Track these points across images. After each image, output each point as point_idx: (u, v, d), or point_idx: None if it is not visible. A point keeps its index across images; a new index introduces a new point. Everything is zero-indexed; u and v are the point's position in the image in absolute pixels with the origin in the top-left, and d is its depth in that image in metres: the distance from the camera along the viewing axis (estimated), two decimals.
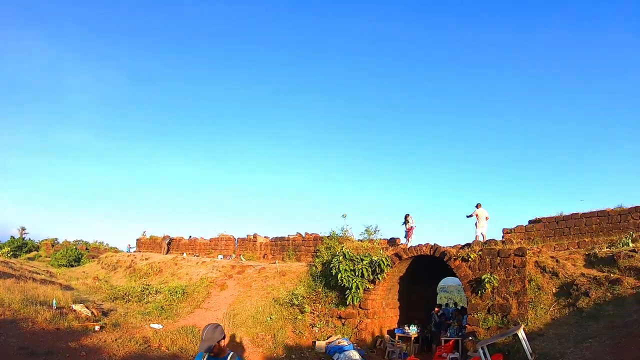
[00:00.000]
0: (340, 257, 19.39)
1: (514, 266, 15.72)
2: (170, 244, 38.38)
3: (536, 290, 15.80)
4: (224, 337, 4.99)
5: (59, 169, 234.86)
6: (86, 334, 14.68)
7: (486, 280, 15.68)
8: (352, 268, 19.06)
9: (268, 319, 19.09)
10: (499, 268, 15.97)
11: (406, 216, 21.50)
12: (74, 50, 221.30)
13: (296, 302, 19.66)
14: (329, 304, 19.86)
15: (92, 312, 17.32)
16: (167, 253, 36.52)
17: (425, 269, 20.81)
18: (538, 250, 17.86)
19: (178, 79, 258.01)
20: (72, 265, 41.96)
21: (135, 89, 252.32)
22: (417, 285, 22.27)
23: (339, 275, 18.96)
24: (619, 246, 17.43)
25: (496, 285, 15.68)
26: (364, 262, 18.91)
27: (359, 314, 18.94)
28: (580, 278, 15.39)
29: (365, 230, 21.59)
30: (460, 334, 17.12)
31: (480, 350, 12.75)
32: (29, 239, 57.42)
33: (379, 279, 18.68)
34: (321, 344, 17.63)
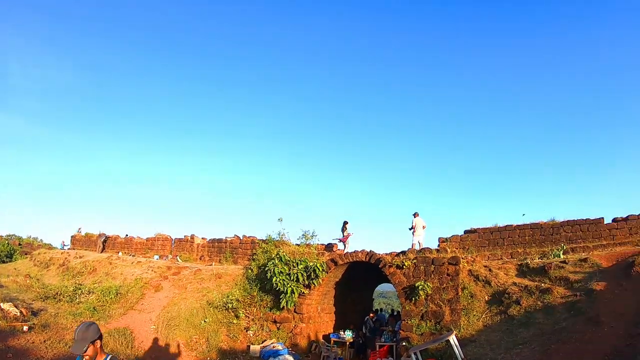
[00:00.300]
0: (276, 261, 19.19)
1: (448, 274, 16.00)
2: (106, 242, 37.17)
3: (469, 297, 16.10)
4: (100, 337, 4.39)
5: None
6: (14, 334, 14.15)
7: (420, 287, 15.88)
8: (287, 272, 18.92)
9: (202, 322, 18.69)
10: (433, 276, 16.20)
11: (344, 223, 21.64)
12: (17, 32, 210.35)
13: (231, 306, 19.28)
14: (264, 307, 19.57)
15: (20, 312, 16.51)
16: (102, 251, 35.32)
17: (361, 275, 20.92)
18: (472, 259, 18.25)
19: (125, 69, 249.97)
20: (3, 262, 40.00)
21: (79, 76, 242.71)
22: (353, 290, 22.34)
23: (274, 279, 18.76)
24: (550, 257, 18.04)
25: (430, 292, 15.89)
26: (300, 267, 18.81)
27: (294, 319, 18.77)
28: (512, 287, 15.79)
29: (303, 235, 21.45)
30: (394, 339, 17.22)
31: (413, 356, 12.81)
32: None
33: (314, 284, 18.62)
34: (256, 348, 17.40)
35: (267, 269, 19.36)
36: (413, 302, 16.17)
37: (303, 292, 18.81)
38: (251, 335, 18.65)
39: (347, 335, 18.79)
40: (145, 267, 25.47)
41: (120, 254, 32.55)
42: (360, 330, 19.80)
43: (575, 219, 19.92)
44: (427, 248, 17.90)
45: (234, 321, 18.98)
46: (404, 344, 15.67)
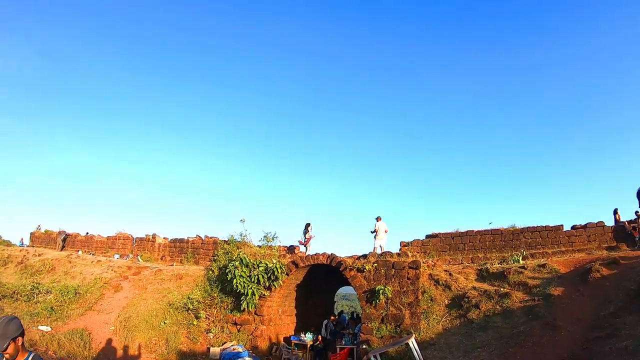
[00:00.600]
0: (237, 263, 19.03)
1: (408, 278, 16.13)
2: (66, 240, 36.28)
3: (429, 301, 16.24)
4: (22, 334, 4.03)
5: None
6: None
7: (380, 290, 15.98)
8: (248, 274, 18.78)
9: (162, 323, 18.42)
10: (393, 279, 16.33)
11: (307, 225, 21.63)
12: None
13: (191, 307, 19.03)
14: (224, 309, 19.36)
15: None
16: (62, 250, 34.43)
17: (322, 277, 20.91)
18: (433, 263, 18.46)
19: (94, 62, 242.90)
20: None
21: (45, 67, 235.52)
22: (315, 293, 22.32)
23: (235, 281, 18.60)
24: (509, 263, 18.36)
25: (390, 296, 16.00)
26: (260, 269, 18.67)
27: (254, 321, 18.63)
28: (471, 291, 15.99)
29: (264, 236, 21.32)
30: (355, 342, 17.25)
31: (373, 358, 12.96)
32: None
33: (275, 286, 18.53)
34: (216, 350, 17.21)
35: (227, 270, 19.18)
36: (373, 305, 16.24)
37: (264, 294, 18.67)
38: (211, 337, 18.43)
39: (308, 337, 18.77)
40: (105, 267, 24.98)
41: (80, 252, 31.77)
42: (320, 334, 19.76)
43: (535, 225, 20.38)
44: (389, 252, 18.00)
45: (194, 323, 18.73)
46: (364, 346, 15.72)
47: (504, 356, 11.90)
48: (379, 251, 19.14)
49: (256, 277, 18.55)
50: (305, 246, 21.41)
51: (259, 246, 21.04)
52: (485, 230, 21.06)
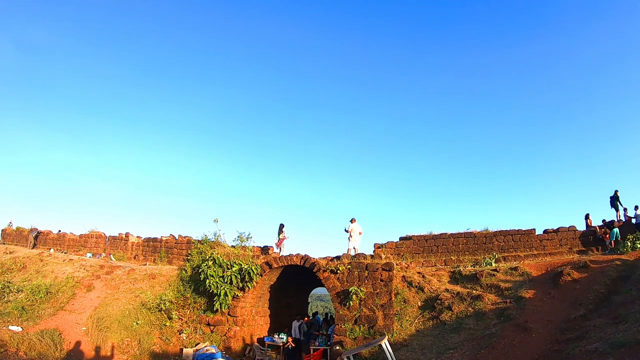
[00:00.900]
0: (210, 263, 18.96)
1: (382, 280, 16.25)
2: (38, 237, 35.65)
3: (402, 303, 16.37)
4: None
5: None
6: None
7: (353, 292, 16.06)
8: (221, 274, 18.72)
9: (135, 324, 18.29)
10: (366, 281, 16.43)
11: (281, 226, 21.67)
12: None
13: (164, 307, 18.88)
14: (198, 310, 19.25)
15: None
16: (33, 247, 33.81)
17: (296, 278, 20.92)
18: (406, 265, 18.62)
19: (69, 55, 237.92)
20: None
21: (19, 59, 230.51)
22: (288, 294, 22.35)
23: (208, 281, 18.51)
24: (482, 265, 18.64)
25: (363, 297, 16.08)
26: (234, 269, 18.61)
27: (228, 321, 18.56)
28: (444, 293, 16.17)
29: (238, 236, 21.24)
30: (328, 343, 17.29)
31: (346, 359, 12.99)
32: None
33: (248, 287, 18.50)
34: (189, 351, 17.13)
35: (201, 270, 19.08)
36: (347, 306, 16.31)
37: (237, 295, 18.63)
38: (184, 338, 18.32)
39: (282, 338, 18.75)
40: (77, 266, 24.62)
41: (52, 250, 31.25)
42: (290, 336, 19.71)
43: (508, 229, 20.73)
44: (362, 254, 18.09)
45: (167, 323, 18.61)
46: (337, 347, 15.78)
47: (476, 357, 12.06)
48: (352, 253, 19.21)
49: (229, 277, 18.47)
50: (279, 247, 21.40)
51: (233, 246, 20.93)
52: (458, 233, 21.35)
